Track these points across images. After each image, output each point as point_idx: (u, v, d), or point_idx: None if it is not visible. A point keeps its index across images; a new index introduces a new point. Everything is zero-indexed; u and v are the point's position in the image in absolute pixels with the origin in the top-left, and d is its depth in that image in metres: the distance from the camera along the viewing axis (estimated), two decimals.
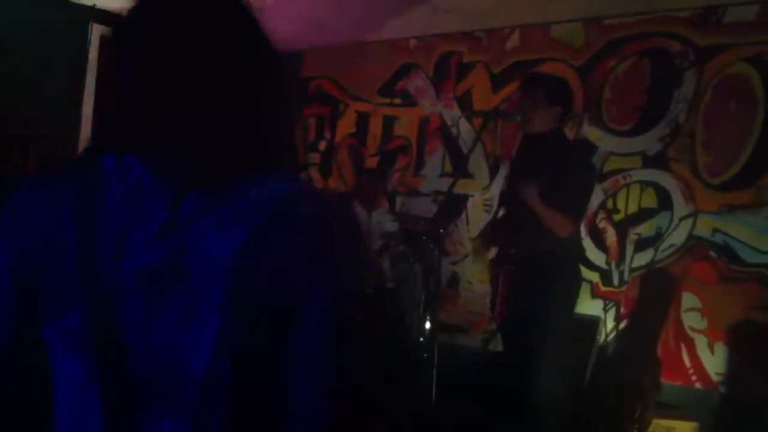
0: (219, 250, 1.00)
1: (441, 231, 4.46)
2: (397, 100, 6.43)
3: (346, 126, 6.77)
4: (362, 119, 6.66)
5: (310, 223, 1.04)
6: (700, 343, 4.66)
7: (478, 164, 5.81)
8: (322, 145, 6.91)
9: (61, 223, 1.02)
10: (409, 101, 6.35)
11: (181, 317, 0.99)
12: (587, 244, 5.09)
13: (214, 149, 1.04)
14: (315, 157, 6.91)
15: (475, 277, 5.71)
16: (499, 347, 4.14)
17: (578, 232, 3.85)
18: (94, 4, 5.73)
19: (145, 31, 1.06)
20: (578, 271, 3.80)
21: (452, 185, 5.04)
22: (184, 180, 1.02)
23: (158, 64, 1.04)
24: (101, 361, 0.99)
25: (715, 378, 4.58)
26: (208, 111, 1.04)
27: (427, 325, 5.11)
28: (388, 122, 6.48)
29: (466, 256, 5.81)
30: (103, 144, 1.08)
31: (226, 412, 1.00)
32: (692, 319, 4.71)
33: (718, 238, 4.66)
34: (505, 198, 4.17)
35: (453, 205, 5.84)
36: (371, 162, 6.53)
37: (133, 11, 1.08)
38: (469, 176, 5.82)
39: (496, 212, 4.44)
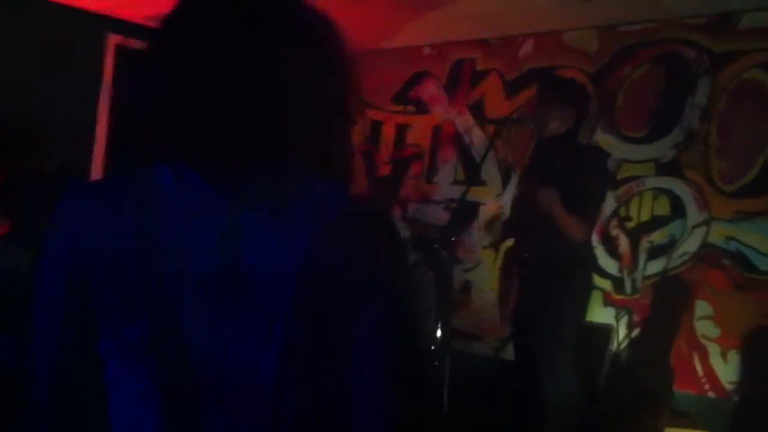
0: (282, 258, 1.01)
1: (452, 239, 4.46)
2: (411, 108, 6.44)
3: (359, 133, 6.79)
4: (375, 127, 6.67)
5: (369, 233, 1.08)
6: (713, 351, 4.62)
7: (491, 172, 5.80)
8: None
9: (121, 233, 1.01)
10: (422, 109, 6.36)
11: (246, 324, 1.00)
12: (599, 251, 5.07)
13: (266, 157, 1.04)
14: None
15: (487, 285, 5.69)
16: (511, 355, 4.12)
17: (590, 239, 3.84)
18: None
19: (187, 39, 1.05)
20: (590, 278, 3.79)
21: (464, 193, 5.04)
22: (241, 188, 1.03)
23: (202, 73, 1.03)
24: (165, 370, 0.99)
25: (728, 386, 4.53)
26: (259, 120, 1.03)
27: (439, 332, 5.09)
28: (401, 130, 6.49)
29: (479, 263, 5.80)
30: (146, 153, 1.07)
31: (295, 416, 1.02)
32: (705, 327, 4.66)
33: (732, 246, 4.62)
34: (517, 203, 4.16)
35: (465, 213, 5.83)
36: (384, 169, 6.54)
37: (177, 14, 1.07)
38: (482, 184, 5.81)
39: (509, 218, 4.44)
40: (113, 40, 5.97)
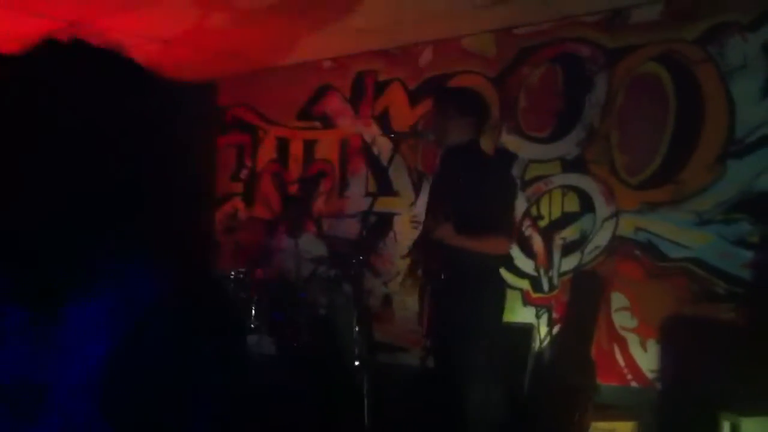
0: (85, 359, 0.90)
1: (362, 256, 4.41)
2: (317, 123, 6.37)
3: (266, 152, 6.68)
4: (282, 145, 6.57)
5: (184, 326, 0.95)
6: (632, 341, 4.69)
7: (402, 181, 5.78)
8: (244, 174, 6.79)
9: None
10: (328, 123, 6.30)
11: None
12: (515, 252, 5.09)
13: (76, 244, 0.94)
14: (238, 187, 6.79)
15: (408, 295, 5.65)
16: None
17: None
18: None
19: None
20: (501, 280, 3.78)
21: (372, 204, 5.00)
22: (40, 280, 0.92)
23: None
24: None
25: (649, 375, 4.61)
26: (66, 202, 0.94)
27: (362, 347, 5.02)
28: (309, 146, 6.42)
29: (398, 274, 5.75)
30: None
31: None
32: (623, 319, 4.73)
33: (641, 237, 4.71)
34: (428, 216, 4.14)
35: (380, 225, 5.79)
36: (295, 187, 6.44)
37: None
38: (394, 194, 5.79)
39: (421, 233, 4.42)
40: None
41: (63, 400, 0.90)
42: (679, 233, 4.56)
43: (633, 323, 4.69)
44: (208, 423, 0.93)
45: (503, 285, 3.75)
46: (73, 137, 0.96)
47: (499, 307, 3.69)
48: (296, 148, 6.48)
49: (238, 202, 6.75)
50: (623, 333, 4.72)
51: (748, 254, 4.33)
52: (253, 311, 5.15)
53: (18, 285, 0.93)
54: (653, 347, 4.59)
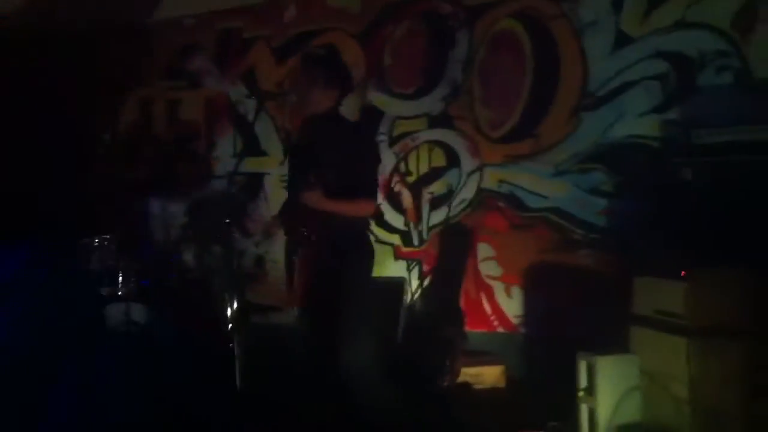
0: None
1: (230, 219, 4.33)
2: (181, 83, 6.18)
3: (129, 113, 6.43)
4: (145, 105, 6.35)
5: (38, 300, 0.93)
6: (498, 289, 4.88)
7: (271, 141, 5.72)
8: (106, 135, 6.51)
9: None
10: (194, 82, 6.13)
11: None
12: (385, 207, 5.18)
13: None
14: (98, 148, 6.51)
15: (280, 256, 5.64)
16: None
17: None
18: None
19: None
20: (368, 241, 3.82)
21: (238, 164, 4.92)
22: None
23: None
24: None
25: (514, 320, 4.82)
26: None
27: (233, 309, 4.98)
28: (174, 106, 6.23)
29: (270, 234, 5.72)
30: None
31: None
32: (489, 268, 4.92)
33: (504, 189, 4.88)
34: (291, 182, 4.11)
35: (250, 185, 5.73)
36: (160, 148, 6.24)
37: None
38: (263, 154, 5.73)
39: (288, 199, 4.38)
40: None
41: None
42: (538, 184, 4.76)
43: (498, 272, 4.89)
44: (72, 396, 0.94)
45: (370, 245, 3.79)
46: None
47: (368, 266, 3.74)
48: (160, 109, 6.28)
49: (99, 164, 6.47)
50: (489, 281, 4.91)
51: (602, 202, 4.57)
52: (120, 278, 4.98)
53: None
54: (517, 294, 4.81)
